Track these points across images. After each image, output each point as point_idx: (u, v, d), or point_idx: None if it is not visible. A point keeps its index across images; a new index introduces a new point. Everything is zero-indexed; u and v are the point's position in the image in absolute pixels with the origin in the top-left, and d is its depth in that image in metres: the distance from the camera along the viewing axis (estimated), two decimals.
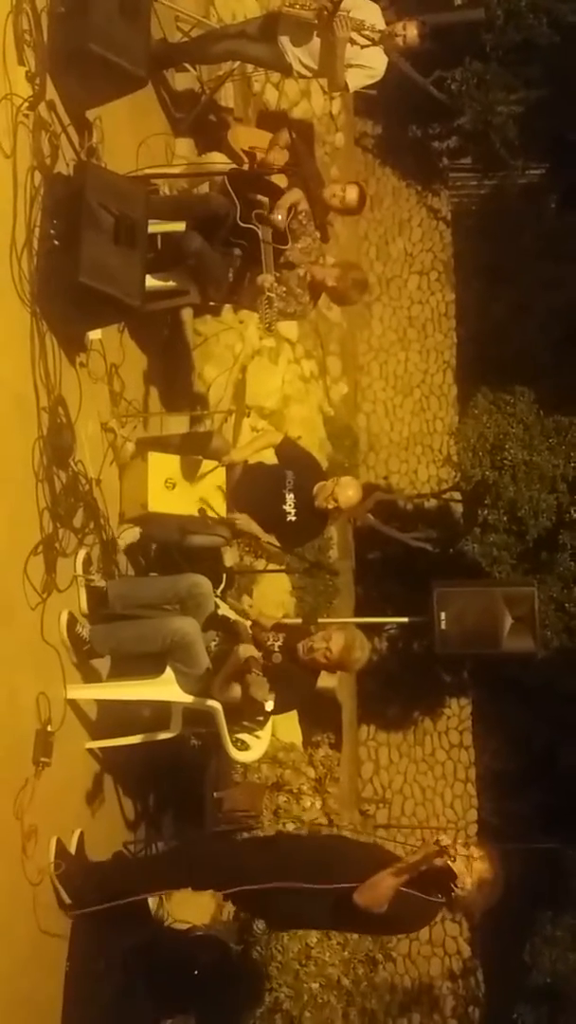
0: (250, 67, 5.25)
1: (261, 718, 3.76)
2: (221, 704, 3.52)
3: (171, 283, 4.19)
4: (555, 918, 6.38)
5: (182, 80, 4.98)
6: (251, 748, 3.80)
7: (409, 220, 8.30)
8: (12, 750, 3.10)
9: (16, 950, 3.04)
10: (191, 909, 4.14)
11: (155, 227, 3.90)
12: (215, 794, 4.37)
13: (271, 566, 4.78)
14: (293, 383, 6.18)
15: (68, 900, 3.24)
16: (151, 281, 3.85)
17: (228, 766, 4.52)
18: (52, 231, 3.36)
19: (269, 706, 3.47)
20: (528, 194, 8.43)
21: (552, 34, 7.61)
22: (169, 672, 3.50)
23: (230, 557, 4.16)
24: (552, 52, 7.70)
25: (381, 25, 4.28)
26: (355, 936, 5.05)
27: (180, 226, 4.03)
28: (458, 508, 7.07)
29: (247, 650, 3.49)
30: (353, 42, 4.22)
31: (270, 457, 4.15)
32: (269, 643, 3.61)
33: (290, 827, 4.83)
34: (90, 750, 3.62)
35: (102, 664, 3.64)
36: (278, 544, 4.11)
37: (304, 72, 4.50)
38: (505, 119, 7.84)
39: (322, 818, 5.10)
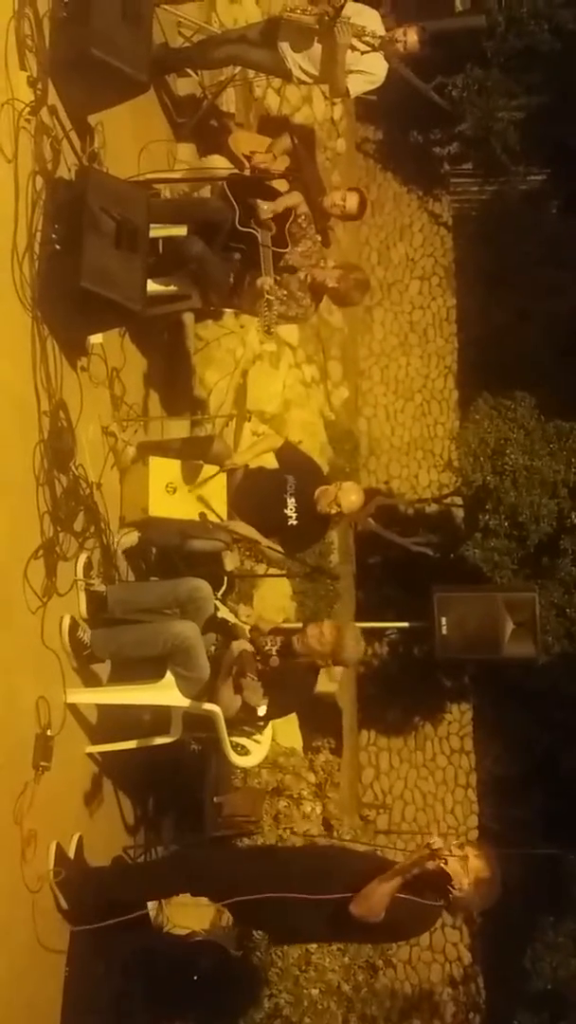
0: (252, 72, 5.27)
1: (261, 723, 3.76)
2: (223, 711, 3.52)
3: (172, 287, 4.20)
4: (556, 924, 6.37)
5: (184, 85, 4.99)
6: (251, 753, 3.80)
7: (410, 225, 8.32)
8: (12, 754, 3.09)
9: (15, 955, 3.03)
10: (191, 914, 4.13)
11: (156, 231, 3.91)
12: (215, 799, 4.36)
13: (272, 570, 4.78)
14: (294, 387, 6.19)
15: (67, 907, 3.24)
16: (152, 285, 3.86)
17: (228, 771, 4.51)
18: (54, 235, 3.37)
19: (262, 711, 3.47)
20: (529, 200, 8.45)
21: (553, 41, 7.65)
22: (169, 676, 3.50)
23: (230, 561, 4.16)
24: (553, 59, 7.73)
25: (381, 31, 4.29)
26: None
27: (181, 230, 4.04)
28: (459, 513, 7.07)
29: (240, 644, 3.49)
30: (354, 48, 4.23)
31: (271, 462, 4.15)
32: (267, 647, 3.61)
33: (294, 840, 4.82)
34: (90, 754, 3.61)
35: (102, 668, 3.63)
36: (278, 549, 4.11)
37: (305, 78, 4.52)
38: (506, 125, 7.87)
39: (319, 826, 5.09)
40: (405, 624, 6.04)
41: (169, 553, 4.00)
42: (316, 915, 3.08)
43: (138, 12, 3.60)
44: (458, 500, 7.02)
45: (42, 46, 3.42)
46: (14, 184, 3.26)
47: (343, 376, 7.15)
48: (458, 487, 6.85)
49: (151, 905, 3.74)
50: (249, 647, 3.52)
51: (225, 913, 4.30)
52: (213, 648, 3.59)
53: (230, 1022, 4.37)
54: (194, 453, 4.04)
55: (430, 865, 2.94)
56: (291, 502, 4.07)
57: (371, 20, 4.30)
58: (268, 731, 3.86)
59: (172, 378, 4.77)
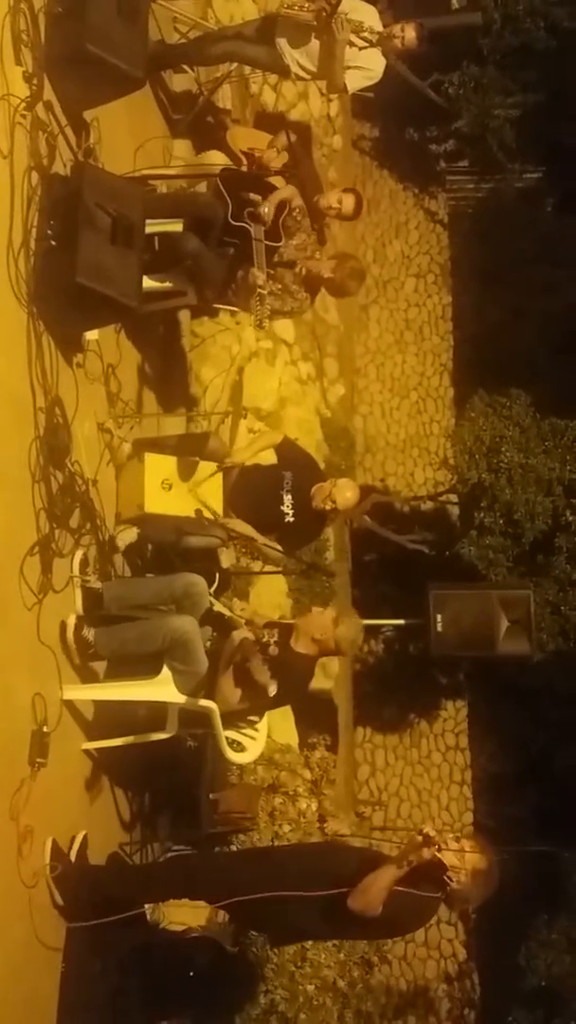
0: (248, 69, 5.26)
1: (256, 717, 3.75)
2: (222, 707, 3.52)
3: (168, 284, 4.19)
4: (550, 921, 6.38)
5: (180, 81, 4.99)
6: (247, 749, 3.80)
7: (406, 223, 8.31)
8: (8, 751, 3.09)
9: (11, 951, 3.03)
10: (187, 911, 4.13)
11: (152, 227, 3.90)
12: (211, 795, 4.36)
13: (268, 567, 4.78)
14: (290, 385, 6.19)
15: (63, 903, 3.23)
16: (148, 282, 3.85)
17: (224, 768, 4.52)
18: (49, 231, 3.36)
19: (272, 690, 3.46)
20: (525, 198, 8.45)
21: (549, 39, 7.65)
22: (166, 672, 3.50)
23: (226, 558, 4.16)
24: (549, 56, 7.73)
25: (379, 27, 4.29)
26: None
27: (177, 225, 4.03)
28: (454, 511, 7.07)
29: (240, 633, 3.50)
30: (351, 44, 4.23)
31: (268, 458, 4.15)
32: (265, 639, 3.62)
33: (286, 829, 4.82)
34: (86, 751, 3.61)
35: (98, 664, 3.63)
36: (274, 545, 4.11)
37: (302, 74, 4.51)
38: (502, 123, 7.86)
39: (332, 826, 5.10)
40: (401, 621, 6.06)
41: (165, 550, 4.00)
42: (314, 912, 3.08)
43: (134, 8, 3.59)
44: (453, 497, 7.02)
45: (38, 41, 3.41)
46: (10, 180, 3.25)
47: (339, 373, 7.15)
48: (453, 485, 6.85)
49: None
50: (249, 635, 3.52)
51: (221, 910, 4.31)
52: (209, 643, 3.59)
53: (226, 1018, 4.37)
54: (190, 450, 4.03)
55: (425, 854, 2.93)
56: (287, 499, 4.07)
57: (369, 16, 4.30)
58: (264, 728, 3.86)
59: (168, 375, 4.77)
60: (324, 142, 7.10)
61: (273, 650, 3.60)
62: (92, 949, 3.32)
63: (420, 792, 7.28)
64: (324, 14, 4.14)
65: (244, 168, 4.46)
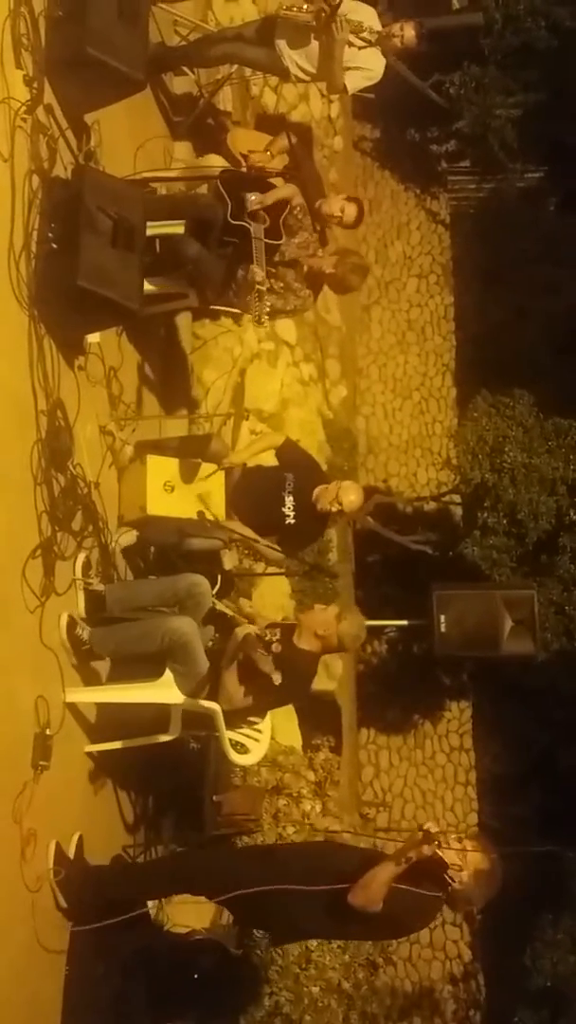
0: (248, 71, 5.27)
1: (260, 717, 3.75)
2: (228, 705, 3.51)
3: (169, 287, 4.19)
4: (555, 921, 6.37)
5: (180, 84, 4.99)
6: (250, 751, 3.80)
7: (408, 223, 8.31)
8: (11, 754, 3.09)
9: (15, 954, 3.03)
10: (191, 913, 4.13)
11: (153, 229, 3.90)
12: (214, 797, 4.36)
13: (270, 569, 4.77)
14: (292, 386, 6.18)
15: (67, 906, 3.24)
16: (149, 285, 3.85)
17: (227, 769, 4.51)
18: (50, 234, 3.36)
19: (277, 679, 3.45)
20: (527, 197, 8.44)
21: (550, 38, 7.64)
22: (168, 675, 3.50)
23: (229, 560, 4.16)
24: (550, 56, 7.72)
25: (378, 27, 4.29)
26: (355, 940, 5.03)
27: (179, 227, 4.03)
28: (457, 511, 7.07)
29: (244, 629, 3.50)
30: (351, 44, 4.23)
31: (269, 460, 4.15)
32: (267, 637, 3.61)
33: (290, 830, 4.82)
34: (89, 753, 3.61)
35: (101, 667, 3.63)
36: (276, 547, 4.11)
37: (302, 75, 4.51)
38: (503, 123, 7.85)
39: (323, 823, 5.09)
40: (404, 622, 6.05)
41: (167, 552, 4.00)
42: (316, 909, 3.08)
43: (134, 10, 3.59)
44: (456, 498, 7.02)
45: (38, 45, 3.42)
46: (10, 183, 3.25)
47: (341, 374, 7.15)
48: (456, 485, 6.85)
49: (151, 904, 3.75)
50: (253, 630, 3.52)
51: (225, 911, 4.31)
52: (211, 643, 3.59)
53: (231, 1020, 4.37)
54: (192, 452, 4.03)
55: (426, 850, 2.92)
56: (289, 500, 4.07)
57: (368, 16, 4.30)
58: (267, 729, 3.85)
59: (170, 377, 4.77)
60: (325, 143, 7.09)
61: (276, 647, 3.60)
62: (96, 952, 3.32)
63: (424, 793, 7.28)
64: (323, 15, 4.13)
65: (244, 170, 4.45)
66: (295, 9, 4.27)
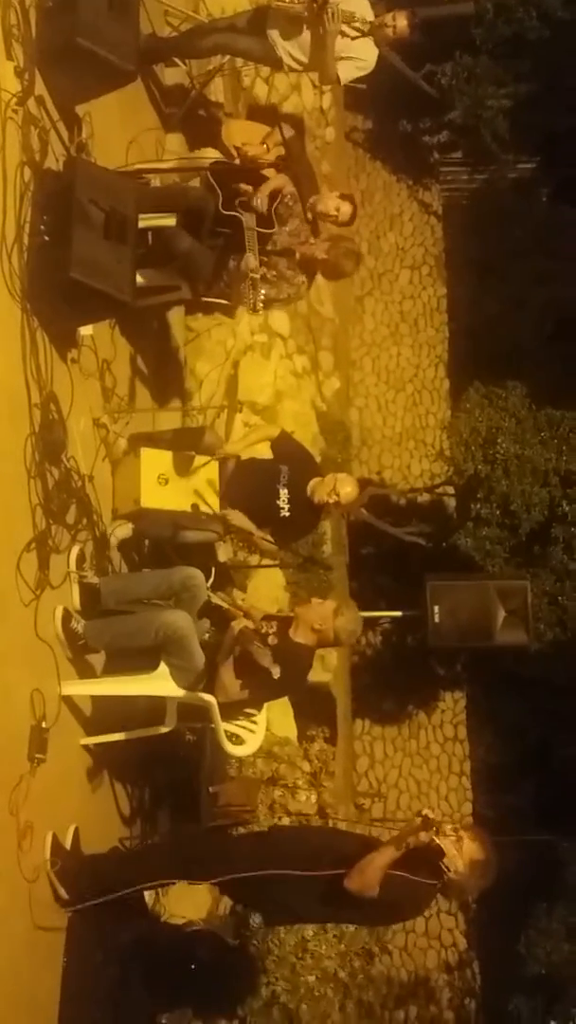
0: (240, 61, 5.24)
1: (255, 709, 3.76)
2: (224, 698, 3.52)
3: (162, 280, 4.18)
4: (550, 910, 6.41)
5: (172, 75, 4.97)
6: (246, 742, 3.81)
7: (400, 214, 8.30)
8: (7, 746, 3.10)
9: (13, 945, 3.04)
10: (188, 904, 4.14)
11: (145, 222, 3.89)
12: (210, 789, 4.37)
13: (265, 561, 4.78)
14: (285, 378, 6.18)
15: (65, 896, 3.25)
16: (141, 277, 3.84)
17: (223, 761, 4.52)
18: (42, 227, 3.35)
19: (276, 672, 3.46)
20: (519, 188, 8.45)
21: (541, 28, 7.63)
22: (163, 667, 3.50)
23: (224, 552, 4.16)
24: (542, 47, 7.71)
25: (370, 16, 4.28)
26: (351, 929, 5.06)
27: (170, 220, 4.02)
28: (451, 502, 7.09)
29: (240, 623, 3.50)
30: (343, 34, 4.21)
31: (264, 452, 4.15)
32: (263, 630, 3.62)
33: (286, 821, 4.83)
34: (85, 746, 3.62)
35: (97, 660, 3.64)
36: (271, 539, 4.11)
37: (294, 66, 4.50)
38: (495, 113, 7.85)
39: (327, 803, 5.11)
40: (398, 613, 6.06)
41: (162, 544, 4.00)
42: (312, 893, 3.09)
43: (125, 1, 3.58)
44: (450, 489, 7.04)
45: (29, 36, 3.40)
46: (2, 175, 3.24)
47: (334, 366, 7.15)
48: (450, 476, 6.87)
49: (148, 895, 3.76)
50: (249, 623, 3.52)
51: (222, 902, 4.33)
52: (207, 636, 3.60)
53: (228, 1010, 4.39)
54: (186, 444, 4.03)
55: (423, 837, 2.94)
56: (283, 493, 4.07)
57: (360, 6, 4.28)
58: (263, 720, 3.86)
59: (163, 369, 4.76)
60: (317, 134, 7.08)
61: (272, 640, 3.60)
62: (93, 942, 3.33)
63: (419, 783, 7.31)
64: (315, 5, 4.12)
65: (236, 162, 4.44)
66: None
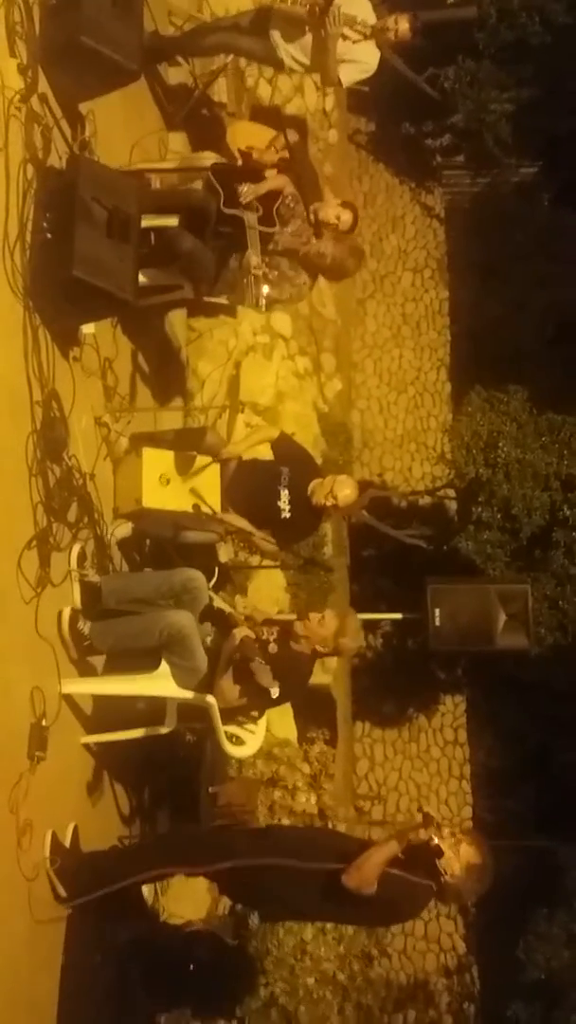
0: (243, 61, 5.26)
1: (256, 713, 3.75)
2: (222, 704, 3.51)
3: (164, 280, 4.18)
4: (549, 915, 6.38)
5: (175, 74, 4.98)
6: (246, 743, 3.80)
7: (403, 217, 8.30)
8: (7, 744, 3.09)
9: (12, 944, 3.03)
10: (187, 904, 4.13)
11: (148, 221, 3.89)
12: (210, 789, 4.36)
13: (265, 562, 4.77)
14: (287, 379, 6.18)
15: (64, 894, 3.24)
16: (143, 277, 3.84)
17: (223, 761, 4.52)
18: (45, 225, 3.35)
19: (275, 692, 3.46)
20: (521, 192, 8.45)
21: (544, 33, 7.64)
22: (164, 667, 3.50)
23: (224, 553, 4.16)
24: (544, 51, 7.72)
25: (372, 19, 4.29)
26: (350, 931, 5.05)
27: (172, 220, 4.02)
28: (452, 505, 7.07)
29: (241, 631, 3.49)
30: (345, 37, 4.23)
31: (265, 453, 4.14)
32: (264, 636, 3.61)
33: (285, 823, 4.82)
34: (85, 745, 3.61)
35: (97, 659, 3.63)
36: (272, 540, 4.10)
37: (296, 67, 4.51)
38: (498, 117, 7.85)
39: (327, 805, 5.10)
40: (399, 616, 6.05)
41: (163, 544, 4.00)
42: (308, 888, 3.09)
43: (128, 0, 3.58)
44: (451, 492, 7.03)
45: (32, 33, 3.41)
46: (5, 173, 3.25)
47: (336, 368, 7.15)
48: (451, 479, 6.86)
49: (147, 893, 3.75)
50: (250, 633, 3.52)
51: (221, 902, 4.32)
52: (209, 639, 3.59)
53: (226, 1010, 4.38)
54: (187, 444, 4.02)
55: (422, 834, 2.94)
56: (284, 494, 4.07)
57: (362, 8, 4.30)
58: (263, 722, 3.86)
59: (165, 369, 4.76)
60: (320, 136, 7.09)
61: (273, 648, 3.59)
62: (93, 942, 3.33)
63: (419, 786, 7.29)
64: (317, 8, 4.13)
65: (239, 163, 4.45)
66: (290, 1, 4.27)
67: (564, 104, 7.79)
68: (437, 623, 5.23)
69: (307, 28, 4.32)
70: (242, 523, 3.98)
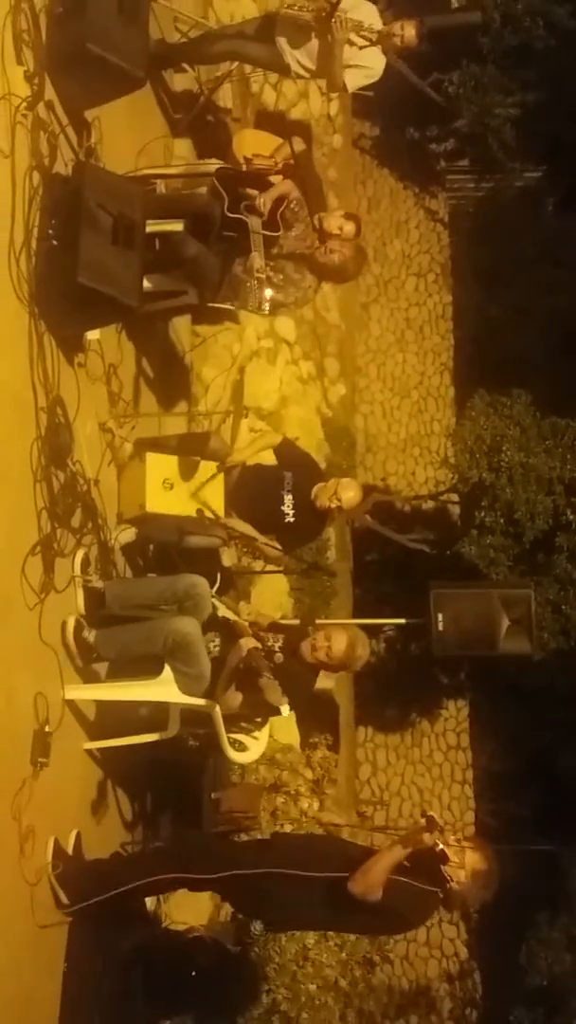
0: (248, 68, 5.27)
1: (259, 719, 3.76)
2: (223, 711, 3.52)
3: (168, 285, 4.19)
4: (551, 920, 6.38)
5: (180, 81, 4.99)
6: (249, 749, 3.80)
7: (407, 222, 8.31)
8: (10, 750, 3.09)
9: (14, 950, 3.03)
10: (189, 910, 4.13)
11: (153, 227, 3.90)
12: (213, 795, 4.36)
13: (269, 567, 4.77)
14: (291, 384, 6.19)
15: (65, 900, 3.24)
16: (148, 282, 3.85)
17: (226, 767, 4.52)
18: (50, 231, 3.36)
19: (285, 711, 3.46)
20: (525, 197, 8.45)
21: (548, 38, 7.64)
22: (167, 673, 3.50)
23: (228, 558, 4.16)
24: (548, 56, 7.72)
25: (378, 25, 4.29)
26: (352, 937, 5.04)
27: (178, 225, 4.03)
28: (455, 510, 7.07)
29: (248, 643, 3.49)
30: (351, 43, 4.23)
31: (268, 458, 4.15)
32: (269, 643, 3.61)
33: (288, 828, 4.82)
34: (88, 750, 3.61)
35: (100, 665, 3.63)
36: (275, 545, 4.11)
37: (302, 73, 4.52)
38: (502, 122, 7.85)
39: (323, 817, 5.10)
40: (402, 620, 6.04)
41: (167, 549, 4.00)
42: (313, 896, 3.08)
43: (134, 7, 3.59)
44: (454, 497, 7.02)
45: (39, 41, 3.41)
46: (11, 179, 3.25)
47: (340, 373, 7.15)
48: (454, 484, 6.85)
49: (149, 901, 3.75)
50: (257, 644, 3.51)
51: (223, 908, 4.31)
52: (213, 646, 3.59)
53: (228, 1018, 4.37)
54: (191, 449, 4.03)
55: (427, 839, 2.93)
56: (288, 499, 4.08)
57: (368, 14, 4.31)
58: (266, 727, 3.86)
59: (169, 374, 4.77)
60: (325, 141, 7.10)
61: (278, 658, 3.59)
62: (94, 948, 3.33)
63: (422, 791, 7.28)
64: (324, 13, 4.14)
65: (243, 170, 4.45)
66: (296, 7, 4.28)
67: (569, 109, 7.78)
68: (440, 628, 5.22)
69: (313, 34, 4.34)
70: (246, 528, 3.98)
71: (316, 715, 5.70)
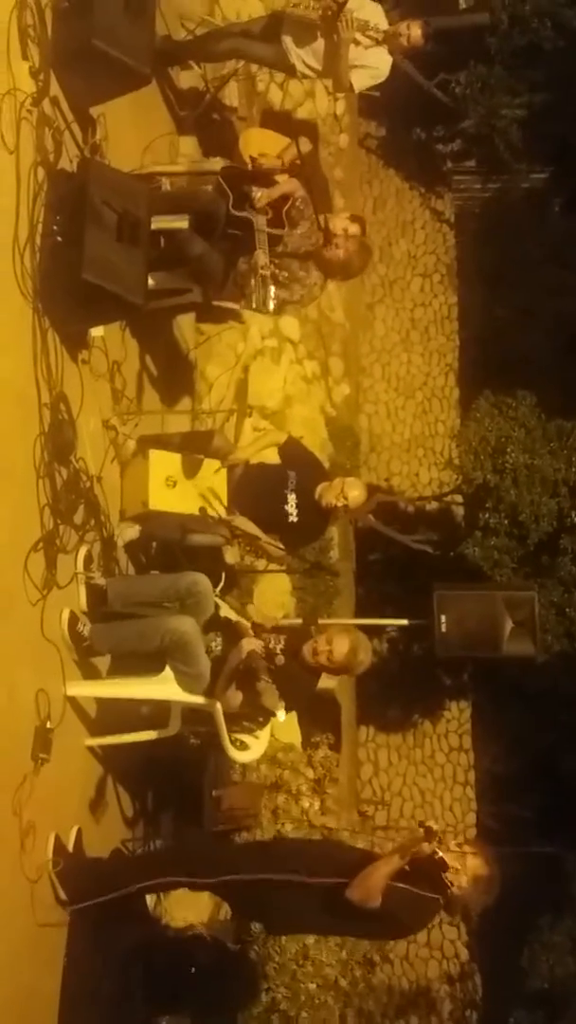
0: (255, 66, 5.27)
1: (261, 719, 3.75)
2: (223, 710, 3.51)
3: (173, 283, 4.19)
4: (553, 923, 6.37)
5: (186, 78, 4.99)
6: (250, 748, 3.80)
7: (412, 222, 8.30)
8: (11, 746, 3.09)
9: (14, 946, 3.03)
10: (189, 908, 4.13)
11: (157, 224, 3.90)
12: (213, 793, 4.36)
13: (272, 566, 4.77)
14: (295, 383, 6.18)
15: (66, 897, 3.24)
16: (152, 280, 3.85)
17: (227, 765, 4.51)
18: (55, 227, 3.36)
19: (281, 716, 3.46)
20: (532, 198, 8.43)
21: (556, 38, 7.62)
22: (168, 671, 3.50)
23: (231, 556, 4.16)
24: (556, 56, 7.70)
25: (385, 25, 4.29)
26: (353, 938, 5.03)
27: (183, 222, 4.02)
28: (459, 511, 7.06)
29: (249, 643, 3.48)
30: (357, 43, 4.23)
31: (272, 457, 4.15)
32: (271, 644, 3.60)
33: (289, 827, 4.82)
34: (89, 747, 3.61)
35: (102, 661, 3.63)
36: (278, 544, 4.10)
37: (307, 72, 4.52)
38: (509, 123, 7.84)
39: (321, 820, 5.09)
40: (405, 621, 6.04)
41: (169, 547, 4.00)
42: (314, 902, 3.08)
43: (141, 3, 3.59)
44: (458, 498, 7.01)
45: (44, 37, 3.41)
46: (15, 175, 3.25)
47: (344, 372, 7.15)
48: (458, 485, 6.84)
49: (149, 899, 3.74)
50: (258, 645, 3.51)
51: (223, 907, 4.31)
52: (215, 645, 3.59)
53: (227, 1016, 4.37)
54: (195, 447, 4.03)
55: (425, 848, 2.92)
56: (291, 498, 4.07)
57: (374, 14, 4.30)
58: (267, 727, 3.85)
59: (173, 372, 4.77)
60: (331, 140, 7.09)
61: (280, 660, 3.59)
62: (94, 945, 3.32)
63: (423, 792, 7.27)
64: (330, 12, 4.13)
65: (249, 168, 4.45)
66: (302, 6, 4.28)
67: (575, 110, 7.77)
68: (443, 629, 5.21)
69: (319, 33, 4.33)
70: (249, 526, 3.98)
71: (318, 715, 5.69)
